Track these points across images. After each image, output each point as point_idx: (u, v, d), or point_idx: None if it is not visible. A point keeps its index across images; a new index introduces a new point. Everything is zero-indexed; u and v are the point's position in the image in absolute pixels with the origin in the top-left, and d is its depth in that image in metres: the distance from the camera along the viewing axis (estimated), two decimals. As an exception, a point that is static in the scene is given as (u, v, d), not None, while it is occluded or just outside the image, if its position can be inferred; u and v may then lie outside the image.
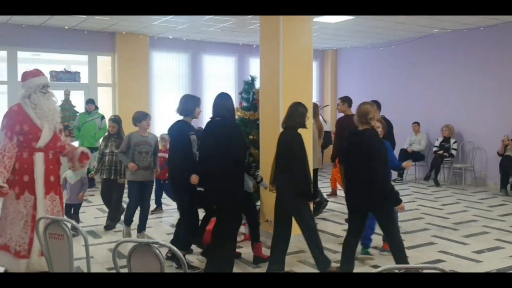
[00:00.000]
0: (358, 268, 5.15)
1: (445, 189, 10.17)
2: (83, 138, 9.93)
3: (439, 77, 11.27)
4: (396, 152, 9.29)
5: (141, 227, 6.29)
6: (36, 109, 4.76)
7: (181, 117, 5.33)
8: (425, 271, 2.35)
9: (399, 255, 4.42)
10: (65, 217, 5.27)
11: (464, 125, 10.78)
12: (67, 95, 10.56)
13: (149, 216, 6.60)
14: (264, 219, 6.32)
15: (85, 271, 3.33)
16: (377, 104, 7.52)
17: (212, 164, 4.67)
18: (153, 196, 6.79)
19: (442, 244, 6.20)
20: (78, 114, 10.32)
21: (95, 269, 5.23)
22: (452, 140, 10.65)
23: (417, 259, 5.56)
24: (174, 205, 6.86)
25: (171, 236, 5.72)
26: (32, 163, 4.74)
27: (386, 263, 5.27)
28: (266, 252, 5.50)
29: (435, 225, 7.14)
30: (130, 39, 11.11)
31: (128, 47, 11.11)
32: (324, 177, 11.05)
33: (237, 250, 5.62)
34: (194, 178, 4.90)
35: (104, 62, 11.44)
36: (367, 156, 4.30)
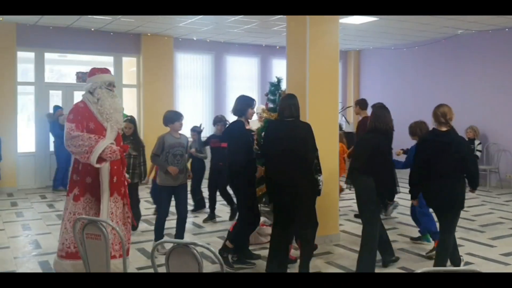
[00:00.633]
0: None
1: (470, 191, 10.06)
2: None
3: (463, 78, 11.17)
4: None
5: (180, 236, 5.84)
6: (97, 104, 4.64)
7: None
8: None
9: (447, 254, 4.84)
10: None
11: (488, 127, 10.67)
12: (93, 96, 10.72)
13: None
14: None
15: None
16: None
17: (285, 164, 4.63)
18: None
19: (469, 246, 6.17)
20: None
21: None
22: (476, 142, 10.53)
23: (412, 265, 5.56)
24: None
25: (198, 236, 5.76)
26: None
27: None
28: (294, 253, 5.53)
29: (461, 227, 7.08)
30: (155, 41, 11.24)
31: (153, 48, 11.25)
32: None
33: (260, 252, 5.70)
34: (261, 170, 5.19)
35: (129, 63, 11.59)
36: (456, 156, 4.63)
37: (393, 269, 5.33)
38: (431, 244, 5.96)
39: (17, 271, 5.21)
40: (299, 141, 4.64)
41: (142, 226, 7.01)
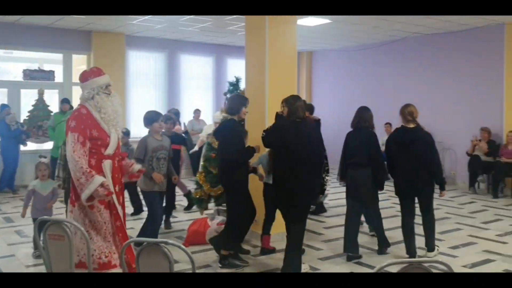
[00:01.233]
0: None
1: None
2: (58, 138, 9.77)
3: (410, 79, 11.61)
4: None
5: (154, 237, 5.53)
6: (101, 112, 4.36)
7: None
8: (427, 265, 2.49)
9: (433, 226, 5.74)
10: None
11: (433, 126, 11.07)
12: (41, 94, 10.43)
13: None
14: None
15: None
16: (310, 108, 7.76)
17: (291, 163, 4.74)
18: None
19: (420, 240, 6.35)
20: (52, 114, 10.18)
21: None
22: (423, 140, 10.97)
23: (399, 254, 5.81)
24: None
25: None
26: (100, 171, 4.29)
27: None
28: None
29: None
30: (107, 38, 11.02)
31: (104, 45, 11.02)
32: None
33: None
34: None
35: (78, 61, 11.31)
36: (422, 148, 5.42)
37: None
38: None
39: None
40: (307, 141, 4.79)
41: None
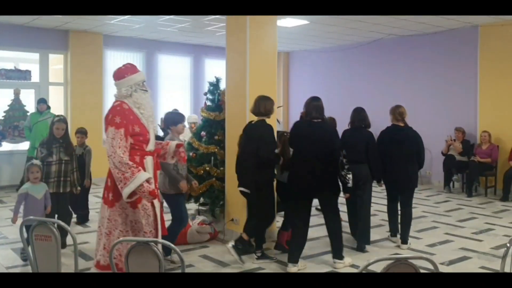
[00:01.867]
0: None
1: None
2: (34, 139, 9.63)
3: (386, 80, 11.80)
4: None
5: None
6: (140, 109, 4.33)
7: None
8: (414, 261, 2.57)
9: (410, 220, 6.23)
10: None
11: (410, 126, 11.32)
12: (17, 94, 10.26)
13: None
14: (229, 218, 6.44)
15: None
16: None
17: (315, 162, 5.08)
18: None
19: (397, 238, 6.57)
20: (28, 114, 10.04)
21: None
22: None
23: (378, 254, 5.90)
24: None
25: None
26: (143, 168, 4.23)
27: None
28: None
29: (387, 220, 7.49)
30: (84, 37, 10.90)
31: (82, 45, 10.89)
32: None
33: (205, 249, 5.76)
34: None
35: (55, 60, 11.16)
36: (414, 145, 6.06)
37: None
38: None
39: None
40: (327, 141, 5.13)
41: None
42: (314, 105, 5.26)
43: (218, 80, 6.90)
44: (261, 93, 6.20)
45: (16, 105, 10.23)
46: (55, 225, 3.38)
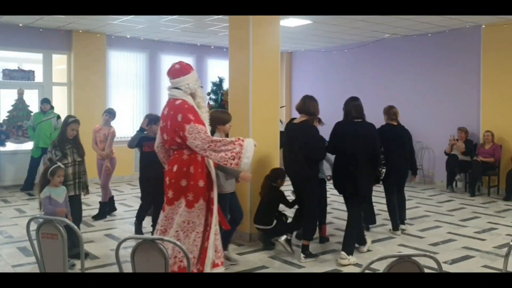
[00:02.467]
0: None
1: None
2: (38, 138, 9.71)
3: (389, 79, 11.81)
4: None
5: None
6: (199, 106, 4.37)
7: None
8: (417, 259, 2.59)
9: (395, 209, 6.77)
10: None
11: (413, 126, 11.27)
12: (20, 94, 10.31)
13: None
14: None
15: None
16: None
17: (357, 159, 5.35)
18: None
19: (401, 237, 6.59)
20: (32, 114, 10.09)
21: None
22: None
23: (380, 252, 5.90)
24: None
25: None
26: (205, 166, 4.29)
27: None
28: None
29: (389, 220, 7.51)
30: (87, 38, 10.94)
31: (85, 45, 10.93)
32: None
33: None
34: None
35: (58, 60, 11.20)
36: (407, 142, 6.69)
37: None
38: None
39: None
40: (368, 139, 5.36)
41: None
42: (353, 104, 5.48)
43: (221, 80, 6.94)
44: (263, 93, 6.25)
45: (20, 105, 10.28)
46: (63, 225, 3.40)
